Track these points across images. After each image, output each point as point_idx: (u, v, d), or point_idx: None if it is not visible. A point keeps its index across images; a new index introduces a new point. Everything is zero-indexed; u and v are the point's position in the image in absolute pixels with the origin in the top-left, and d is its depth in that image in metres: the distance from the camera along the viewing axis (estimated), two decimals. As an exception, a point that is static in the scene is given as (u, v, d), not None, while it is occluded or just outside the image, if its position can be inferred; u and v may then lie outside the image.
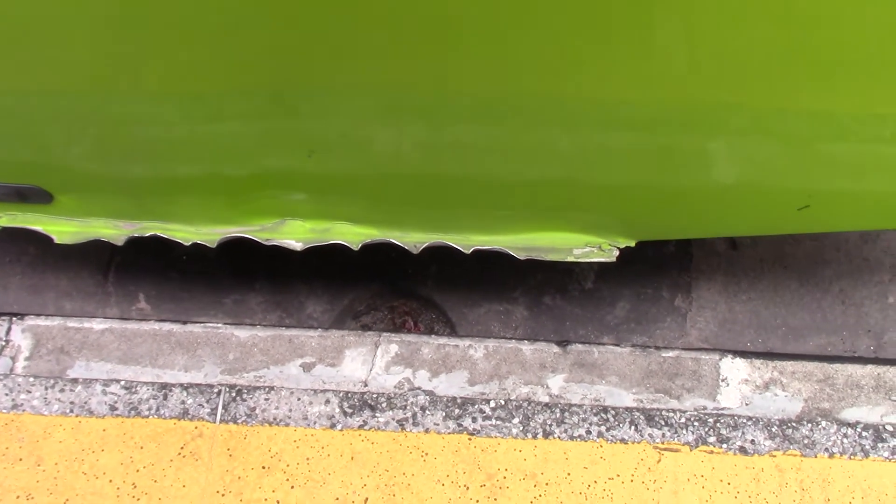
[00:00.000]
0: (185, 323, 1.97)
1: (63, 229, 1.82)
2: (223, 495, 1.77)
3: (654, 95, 1.39)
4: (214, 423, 1.84)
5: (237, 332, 1.96)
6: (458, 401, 1.89)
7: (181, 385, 1.88)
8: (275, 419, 1.85)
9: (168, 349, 1.93)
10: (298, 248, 1.77)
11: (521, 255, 1.80)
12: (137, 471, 1.78)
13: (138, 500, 1.76)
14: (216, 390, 1.87)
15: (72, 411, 1.84)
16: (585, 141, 1.52)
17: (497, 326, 2.29)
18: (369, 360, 1.94)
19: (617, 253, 1.81)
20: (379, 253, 2.27)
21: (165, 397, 1.86)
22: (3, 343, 1.93)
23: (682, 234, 1.86)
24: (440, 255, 2.28)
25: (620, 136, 1.51)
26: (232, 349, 1.94)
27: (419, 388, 1.91)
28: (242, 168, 1.61)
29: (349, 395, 1.88)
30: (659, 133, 1.50)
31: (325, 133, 1.50)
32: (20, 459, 1.79)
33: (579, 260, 1.82)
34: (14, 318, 1.97)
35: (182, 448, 1.81)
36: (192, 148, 1.55)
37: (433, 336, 1.98)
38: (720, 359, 1.99)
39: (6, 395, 1.85)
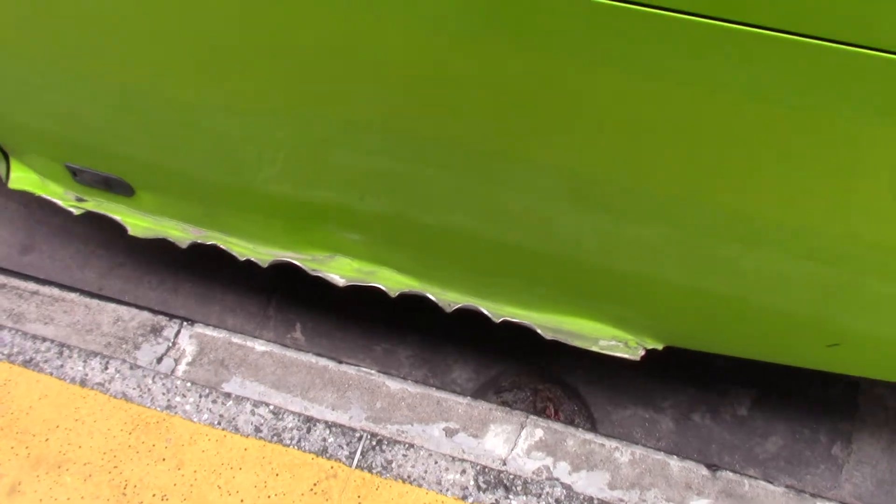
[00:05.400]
0: (339, 362, 2.00)
1: (138, 223, 1.95)
2: (345, 542, 1.76)
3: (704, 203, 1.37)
4: (350, 467, 1.84)
5: (389, 382, 1.97)
6: (595, 501, 1.82)
7: (326, 422, 1.89)
8: (409, 477, 1.83)
9: (320, 384, 1.96)
10: (341, 284, 1.85)
11: (548, 336, 1.81)
12: (269, 497, 1.80)
13: (264, 526, 1.77)
14: (358, 435, 1.88)
15: (219, 424, 1.88)
16: (624, 233, 1.50)
17: (640, 433, 2.22)
18: (512, 439, 1.90)
19: (643, 353, 1.80)
20: (532, 335, 2.25)
21: (309, 430, 1.88)
22: (171, 344, 2.01)
23: (708, 347, 1.84)
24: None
25: (659, 234, 1.48)
26: (380, 398, 1.94)
27: (557, 480, 1.86)
28: (309, 198, 1.68)
29: (486, 469, 1.85)
30: (698, 242, 1.47)
31: (385, 178, 1.55)
32: (163, 459, 1.84)
33: (603, 352, 1.81)
34: (185, 323, 2.05)
35: (315, 485, 1.82)
36: (268, 168, 1.62)
37: (580, 430, 1.93)
38: (881, 522, 1.85)
39: (163, 394, 1.92)
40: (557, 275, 1.71)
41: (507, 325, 1.83)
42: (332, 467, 1.84)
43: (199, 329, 2.04)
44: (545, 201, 1.48)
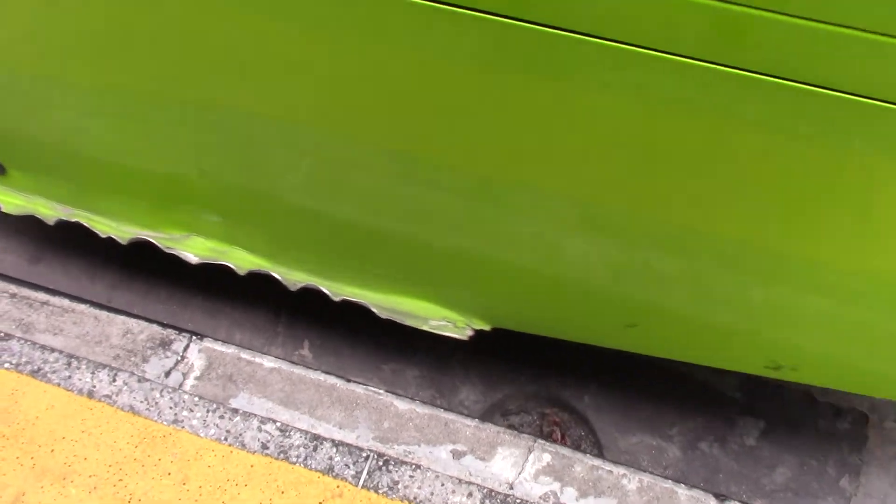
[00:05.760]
0: (348, 381, 1.99)
1: (11, 200, 2.08)
2: (350, 562, 1.75)
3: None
4: (356, 486, 1.83)
5: (397, 402, 1.96)
6: (602, 529, 1.81)
7: (332, 441, 1.88)
8: (415, 498, 1.82)
9: (328, 402, 1.95)
10: (193, 262, 1.99)
11: (384, 315, 1.92)
12: (274, 515, 1.79)
13: (268, 544, 1.76)
14: (365, 454, 1.87)
15: (226, 439, 1.88)
16: (446, 214, 1.63)
17: (646, 460, 2.20)
18: (520, 463, 1.89)
19: (470, 333, 1.90)
20: (541, 357, 2.24)
21: (315, 449, 1.87)
22: (179, 358, 2.01)
23: (528, 328, 1.94)
24: (600, 373, 2.23)
25: (477, 217, 1.61)
26: (388, 418, 1.94)
27: (564, 505, 1.85)
28: (155, 173, 1.83)
29: (493, 493, 1.84)
30: (509, 225, 1.60)
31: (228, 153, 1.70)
32: (168, 474, 1.83)
33: (433, 331, 1.91)
34: (194, 337, 2.04)
35: (320, 503, 1.81)
36: (120, 144, 1.78)
37: (588, 456, 1.92)
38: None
39: (170, 408, 1.91)
40: (389, 255, 1.82)
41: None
42: (337, 486, 1.83)
43: (208, 344, 2.03)
44: (372, 181, 1.62)
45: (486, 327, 1.90)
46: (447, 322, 1.92)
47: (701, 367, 2.29)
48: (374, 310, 1.93)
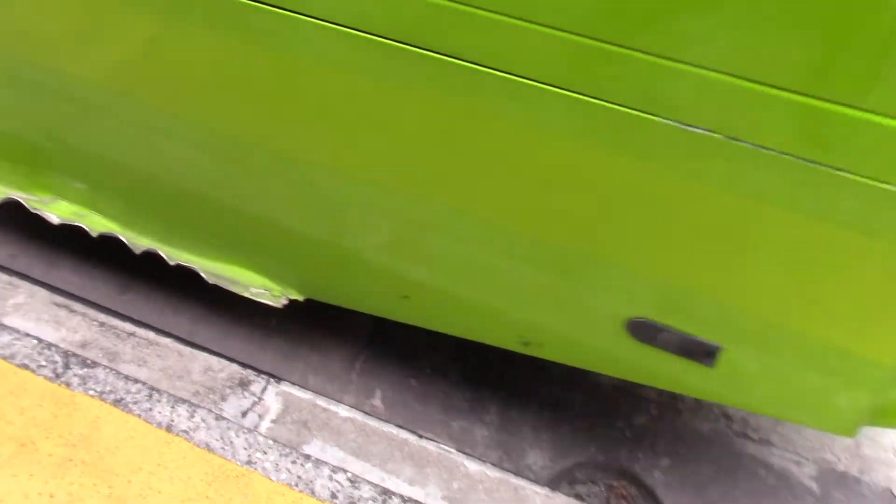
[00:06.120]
0: (420, 437, 2.00)
1: None
2: None
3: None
4: (422, 545, 1.82)
5: (468, 463, 1.95)
6: None
7: (402, 496, 1.88)
8: (480, 563, 1.81)
9: (399, 457, 1.96)
10: (55, 222, 2.19)
11: (212, 280, 2.10)
12: (339, 567, 1.79)
13: None
14: (433, 513, 1.86)
15: (296, 485, 1.89)
16: (255, 186, 1.88)
17: (715, 544, 2.15)
18: (588, 536, 1.86)
19: (285, 302, 2.07)
20: (613, 427, 2.22)
21: (384, 503, 1.87)
22: (256, 400, 2.04)
23: (336, 300, 2.12)
24: (674, 450, 2.20)
25: (281, 189, 1.86)
26: (458, 478, 1.93)
27: (631, 585, 1.81)
28: (12, 137, 2.12)
29: (559, 565, 1.81)
30: (304, 195, 1.85)
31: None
32: (239, 515, 1.84)
33: (254, 298, 2.08)
34: (272, 380, 2.07)
35: (385, 559, 1.80)
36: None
37: (659, 535, 1.88)
38: None
39: (245, 448, 1.93)
40: (211, 222, 2.05)
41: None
42: (404, 543, 1.83)
43: (286, 387, 2.06)
44: (182, 150, 1.89)
45: (300, 297, 2.09)
46: (265, 290, 2.10)
47: (780, 457, 2.24)
48: (203, 275, 2.11)
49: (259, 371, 2.08)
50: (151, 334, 2.14)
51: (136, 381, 2.04)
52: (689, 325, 1.65)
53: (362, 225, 1.83)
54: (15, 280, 2.28)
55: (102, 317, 2.17)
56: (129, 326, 2.16)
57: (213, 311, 2.47)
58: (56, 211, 2.19)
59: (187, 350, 2.11)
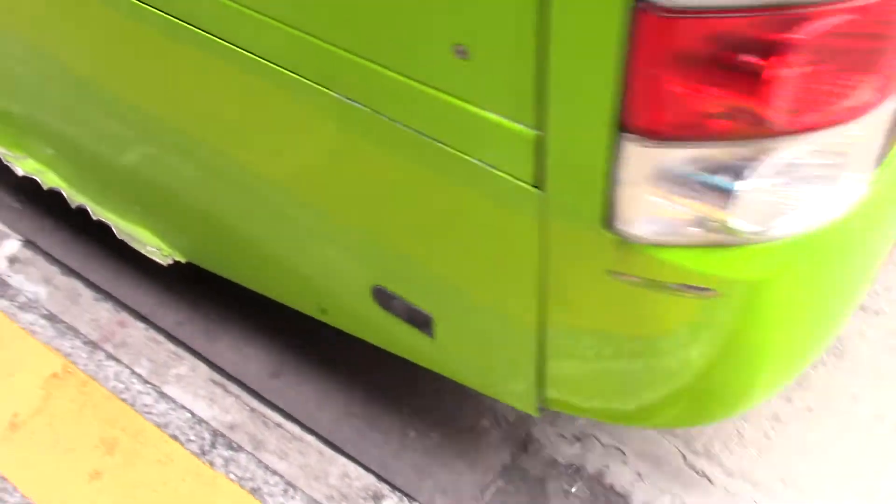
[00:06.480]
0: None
1: None
2: None
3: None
4: None
5: None
6: None
7: None
8: None
9: None
10: (19, 174, 2.52)
11: (121, 236, 2.34)
12: None
13: None
14: None
15: None
16: (131, 142, 2.11)
17: None
18: None
19: (171, 262, 2.28)
20: None
21: None
22: (388, 516, 2.03)
23: (220, 270, 2.28)
24: None
25: (155, 152, 2.09)
26: None
27: None
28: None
29: None
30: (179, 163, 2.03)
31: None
32: None
33: (150, 256, 2.30)
34: (405, 498, 2.07)
35: None
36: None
37: None
38: None
39: (368, 565, 1.92)
40: (115, 180, 2.31)
41: None
42: None
43: (420, 510, 2.05)
44: (81, 112, 2.17)
45: (183, 260, 2.28)
46: (157, 249, 2.28)
47: None
48: (115, 231, 2.34)
49: (393, 487, 2.08)
50: (297, 429, 2.18)
51: (276, 472, 2.08)
52: (407, 293, 1.71)
53: (205, 194, 2.06)
54: (180, 351, 2.39)
55: (255, 402, 2.23)
56: (277, 417, 2.21)
57: (353, 412, 2.50)
58: (23, 166, 2.52)
59: (328, 451, 2.14)
